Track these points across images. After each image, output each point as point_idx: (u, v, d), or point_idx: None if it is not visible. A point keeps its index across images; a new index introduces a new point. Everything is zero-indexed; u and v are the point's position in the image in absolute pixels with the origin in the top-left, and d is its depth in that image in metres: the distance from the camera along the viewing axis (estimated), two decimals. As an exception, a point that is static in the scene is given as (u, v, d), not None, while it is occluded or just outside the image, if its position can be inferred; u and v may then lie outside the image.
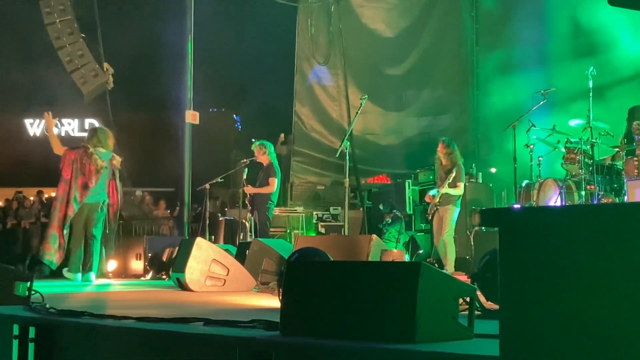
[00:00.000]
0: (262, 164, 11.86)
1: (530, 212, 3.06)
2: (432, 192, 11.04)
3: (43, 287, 6.29)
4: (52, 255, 10.42)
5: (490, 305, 4.87)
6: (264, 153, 11.75)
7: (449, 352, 3.05)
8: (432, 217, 10.87)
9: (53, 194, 17.59)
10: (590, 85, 10.19)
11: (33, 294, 5.84)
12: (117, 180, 10.96)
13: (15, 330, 4.68)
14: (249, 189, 11.73)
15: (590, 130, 10.05)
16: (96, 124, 24.35)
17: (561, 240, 2.44)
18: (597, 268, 2.36)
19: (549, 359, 2.40)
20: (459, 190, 10.63)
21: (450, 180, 10.41)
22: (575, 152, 10.22)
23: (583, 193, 9.97)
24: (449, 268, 10.23)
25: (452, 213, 10.63)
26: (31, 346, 4.57)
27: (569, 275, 2.40)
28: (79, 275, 10.42)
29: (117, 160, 10.86)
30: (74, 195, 10.34)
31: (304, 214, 14.70)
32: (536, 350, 2.44)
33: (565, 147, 10.43)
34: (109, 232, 11.03)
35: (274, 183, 11.59)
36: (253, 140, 12.32)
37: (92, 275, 10.50)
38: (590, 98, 10.14)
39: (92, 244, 10.61)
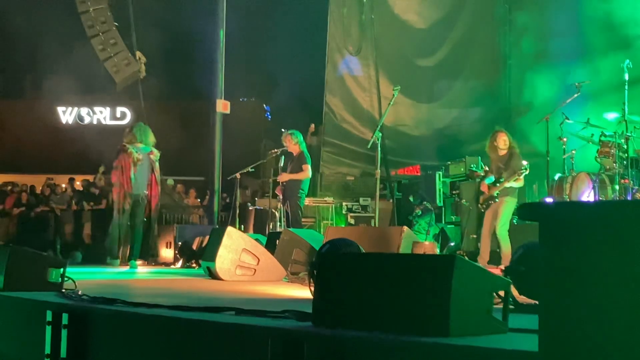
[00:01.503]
0: (292, 153, 11.83)
1: (571, 206, 3.01)
2: (487, 181, 10.49)
3: (75, 274, 6.33)
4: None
5: (523, 299, 4.82)
6: (295, 143, 11.73)
7: (483, 346, 3.02)
8: (486, 208, 10.35)
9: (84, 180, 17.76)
10: (626, 78, 10.04)
11: (66, 281, 5.89)
12: (157, 174, 11.61)
13: (49, 316, 4.72)
14: (283, 177, 11.69)
15: (625, 123, 9.92)
16: (128, 112, 24.64)
17: (603, 235, 2.40)
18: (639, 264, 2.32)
19: (591, 356, 2.37)
20: (521, 183, 10.18)
21: (517, 173, 9.94)
22: (610, 145, 10.08)
23: (617, 187, 9.84)
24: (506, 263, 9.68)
25: (511, 205, 10.06)
26: (64, 332, 4.61)
27: (611, 271, 2.36)
28: (117, 261, 11.16)
29: (155, 154, 11.49)
30: (124, 191, 11.15)
31: (333, 205, 14.68)
32: (577, 346, 2.40)
33: (600, 141, 10.29)
34: (150, 222, 11.71)
35: (308, 169, 11.57)
36: (283, 130, 12.30)
37: (136, 262, 11.22)
38: (626, 91, 10.00)
39: (135, 233, 11.35)
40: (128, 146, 11.23)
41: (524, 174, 9.95)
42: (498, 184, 10.12)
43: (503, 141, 10.25)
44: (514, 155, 10.14)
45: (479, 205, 10.54)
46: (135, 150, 11.24)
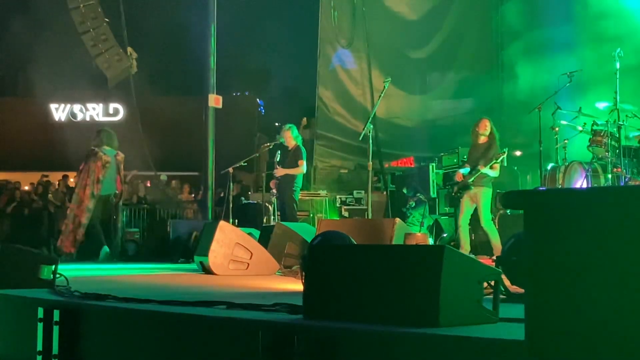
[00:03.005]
0: (287, 147, 11.82)
1: (556, 193, 3.00)
2: (463, 171, 10.42)
3: (67, 271, 6.32)
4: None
5: (515, 289, 4.82)
6: (292, 137, 11.74)
7: (473, 336, 3.02)
8: (460, 196, 10.26)
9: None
10: (617, 66, 10.04)
11: (58, 277, 5.87)
12: (121, 174, 12.29)
13: (40, 313, 4.71)
14: (280, 171, 11.69)
15: (617, 112, 9.92)
16: (120, 108, 24.62)
17: (588, 222, 2.39)
18: (627, 251, 2.31)
19: (576, 344, 2.36)
20: (497, 172, 10.06)
21: (494, 159, 9.90)
22: (602, 134, 10.09)
23: (610, 176, 9.85)
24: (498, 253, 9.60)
25: (488, 195, 10.01)
26: (56, 329, 4.60)
27: (597, 259, 2.35)
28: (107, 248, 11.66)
29: (121, 156, 12.20)
30: (90, 192, 11.69)
31: (327, 198, 14.67)
32: (562, 334, 2.40)
33: (592, 130, 10.30)
34: (116, 217, 12.33)
35: (303, 164, 11.60)
36: (277, 124, 12.31)
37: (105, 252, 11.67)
38: (617, 80, 10.00)
39: (101, 230, 11.86)
40: (97, 149, 11.86)
41: (501, 158, 9.98)
42: (473, 172, 10.04)
43: (484, 126, 10.14)
44: (492, 145, 10.08)
45: (453, 193, 10.51)
46: (104, 152, 11.89)
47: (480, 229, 10.40)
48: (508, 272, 4.89)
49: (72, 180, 18.86)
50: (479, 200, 10.00)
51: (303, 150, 11.72)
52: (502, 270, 4.40)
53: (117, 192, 12.12)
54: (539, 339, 2.47)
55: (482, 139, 10.14)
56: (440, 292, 3.29)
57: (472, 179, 10.00)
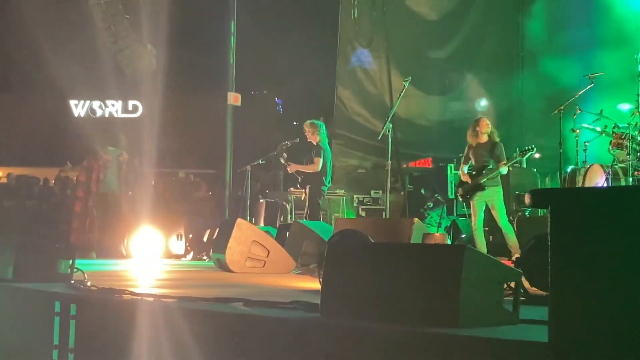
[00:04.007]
0: (310, 144, 11.63)
1: (584, 192, 2.95)
2: (466, 169, 10.10)
3: (85, 266, 6.32)
4: None
5: (534, 291, 4.77)
6: (313, 133, 11.50)
7: (493, 337, 2.98)
8: (470, 199, 9.94)
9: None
10: (639, 69, 9.94)
11: (75, 272, 5.88)
12: (124, 173, 12.67)
13: (57, 307, 4.71)
14: (292, 167, 11.58)
15: (639, 115, 9.82)
16: (139, 105, 24.66)
17: (616, 222, 2.34)
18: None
19: (601, 346, 2.32)
20: (505, 169, 9.79)
21: (504, 158, 9.70)
22: (623, 137, 9.97)
23: (630, 179, 9.74)
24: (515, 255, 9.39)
25: (501, 194, 9.77)
26: (72, 323, 4.60)
27: (625, 260, 2.31)
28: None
29: (125, 157, 12.60)
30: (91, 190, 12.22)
31: (344, 197, 14.61)
32: (587, 336, 2.35)
33: (613, 132, 10.19)
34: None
35: (318, 162, 11.31)
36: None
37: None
38: (639, 82, 9.90)
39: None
40: (98, 148, 12.33)
41: (529, 155, 9.82)
42: (484, 172, 9.80)
43: (486, 125, 9.89)
44: (496, 143, 9.87)
45: (461, 195, 10.19)
46: (106, 152, 12.32)
47: (498, 231, 10.25)
48: (528, 273, 4.83)
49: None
50: (495, 200, 9.77)
51: (324, 147, 11.46)
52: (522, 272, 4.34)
53: (117, 190, 12.42)
54: (563, 340, 2.43)
55: (484, 138, 9.94)
56: (460, 292, 3.25)
57: (485, 179, 9.75)
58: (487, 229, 11.12)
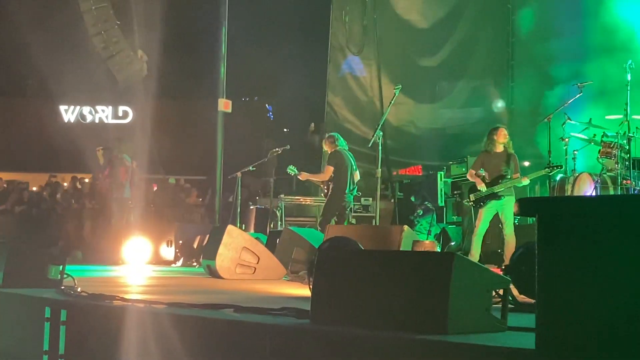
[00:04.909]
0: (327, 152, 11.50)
1: (571, 201, 2.99)
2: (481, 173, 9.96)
3: (75, 272, 6.32)
4: None
5: (523, 298, 4.80)
6: (330, 143, 11.35)
7: (482, 344, 3.00)
8: (482, 206, 9.82)
9: (86, 180, 17.87)
10: (629, 78, 10.00)
11: (65, 278, 5.88)
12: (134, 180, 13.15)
13: (47, 312, 4.71)
14: (304, 176, 11.50)
15: (628, 124, 9.88)
16: (130, 111, 24.63)
17: (603, 230, 2.37)
18: None
19: (588, 353, 2.35)
20: (528, 181, 9.73)
21: (519, 170, 9.59)
22: (612, 146, 10.03)
23: (619, 188, 9.79)
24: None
25: (513, 205, 9.57)
26: (62, 329, 4.60)
27: (612, 267, 2.34)
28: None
29: (135, 163, 13.09)
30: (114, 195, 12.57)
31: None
32: (574, 343, 2.38)
33: (601, 141, 10.25)
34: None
35: (329, 171, 11.15)
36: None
37: None
38: (629, 91, 9.96)
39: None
40: (121, 156, 12.78)
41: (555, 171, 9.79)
42: (502, 181, 9.75)
43: (504, 135, 9.87)
44: (512, 155, 9.86)
45: (471, 203, 10.12)
46: (126, 158, 12.80)
47: (489, 238, 10.27)
48: (516, 281, 4.87)
49: (87, 181, 18.92)
50: (507, 209, 9.66)
51: (339, 156, 11.23)
52: (510, 280, 4.38)
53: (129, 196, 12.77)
54: (550, 347, 2.46)
55: (500, 148, 9.88)
56: (449, 299, 3.28)
57: (503, 188, 9.68)
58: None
